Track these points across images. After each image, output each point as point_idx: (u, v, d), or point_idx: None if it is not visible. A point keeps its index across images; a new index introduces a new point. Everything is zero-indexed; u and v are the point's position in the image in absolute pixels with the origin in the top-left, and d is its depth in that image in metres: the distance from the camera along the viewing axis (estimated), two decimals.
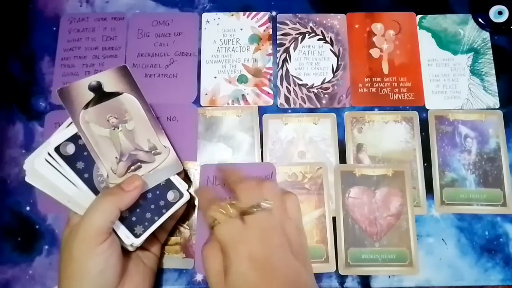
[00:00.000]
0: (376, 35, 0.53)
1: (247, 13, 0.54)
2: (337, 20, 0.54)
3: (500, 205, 0.48)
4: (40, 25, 0.53)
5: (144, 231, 0.38)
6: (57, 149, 0.37)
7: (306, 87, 0.51)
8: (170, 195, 0.40)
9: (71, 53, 0.52)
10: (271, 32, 0.53)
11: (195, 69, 0.52)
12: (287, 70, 0.52)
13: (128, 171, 0.39)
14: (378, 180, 0.48)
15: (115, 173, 0.39)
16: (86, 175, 0.38)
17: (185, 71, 0.52)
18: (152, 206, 0.40)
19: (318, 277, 0.46)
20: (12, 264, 0.46)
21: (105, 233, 0.35)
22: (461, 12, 0.54)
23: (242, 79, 0.51)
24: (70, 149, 0.38)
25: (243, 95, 0.51)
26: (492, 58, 0.52)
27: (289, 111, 0.50)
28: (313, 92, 0.51)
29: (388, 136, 0.50)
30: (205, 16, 0.54)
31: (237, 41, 0.53)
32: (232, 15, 0.54)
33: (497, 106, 0.51)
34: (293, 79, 0.52)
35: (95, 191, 0.38)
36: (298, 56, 0.52)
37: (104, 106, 0.39)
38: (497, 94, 0.51)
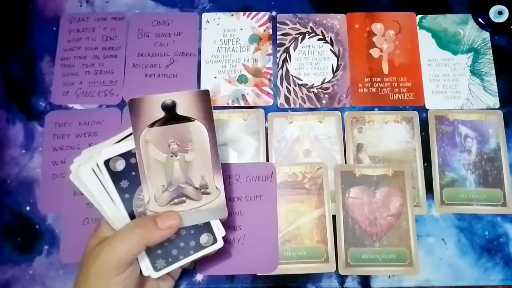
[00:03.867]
0: (376, 35, 0.53)
1: (247, 13, 0.54)
2: (337, 20, 0.54)
3: (500, 205, 0.48)
4: (40, 25, 0.53)
5: (165, 267, 0.36)
6: (106, 162, 0.36)
7: (306, 87, 0.51)
8: (204, 238, 0.37)
9: (71, 53, 0.52)
10: (271, 32, 0.53)
11: (195, 69, 0.52)
12: (287, 70, 0.52)
13: (171, 202, 0.36)
14: (378, 180, 0.48)
15: (156, 201, 0.36)
16: (126, 195, 0.36)
17: (185, 71, 0.52)
18: (181, 244, 0.37)
19: (318, 277, 0.46)
20: (12, 264, 0.46)
21: (126, 264, 0.34)
22: (461, 12, 0.54)
23: (242, 79, 0.51)
24: (120, 165, 0.36)
25: (243, 95, 0.51)
26: (492, 58, 0.52)
27: (289, 111, 0.50)
28: (313, 92, 0.51)
29: (388, 136, 0.50)
30: (205, 16, 0.54)
31: (237, 41, 0.53)
32: (232, 15, 0.54)
33: (497, 106, 0.51)
34: (293, 79, 0.52)
35: (131, 214, 0.36)
36: (298, 56, 0.52)
37: (170, 129, 0.36)
38: (497, 94, 0.51)
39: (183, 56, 0.52)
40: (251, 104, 0.51)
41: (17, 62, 0.52)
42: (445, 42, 0.53)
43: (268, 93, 0.51)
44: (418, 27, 0.53)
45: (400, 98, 0.51)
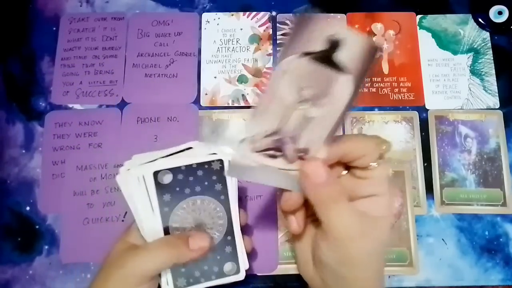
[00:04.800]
0: (376, 35, 0.53)
1: (247, 13, 0.54)
2: (337, 20, 0.54)
3: (500, 205, 0.48)
4: (40, 25, 0.53)
5: (185, 286, 0.36)
6: (155, 174, 0.35)
7: None
8: (228, 267, 0.37)
9: (71, 53, 0.52)
10: (271, 32, 0.53)
11: (195, 69, 0.52)
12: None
13: (264, 152, 0.30)
14: None
15: (251, 144, 0.30)
16: (166, 209, 0.36)
17: (185, 71, 0.52)
18: (205, 267, 0.36)
19: None
20: (12, 264, 0.46)
21: (150, 277, 0.34)
22: (461, 12, 0.54)
23: (242, 79, 0.51)
24: (167, 179, 0.36)
25: (243, 95, 0.51)
26: (492, 58, 0.52)
27: None
28: None
29: (388, 136, 0.50)
30: (205, 16, 0.54)
31: (237, 41, 0.53)
32: (232, 15, 0.54)
33: (497, 106, 0.51)
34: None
35: (165, 228, 0.36)
36: None
37: (320, 71, 0.28)
38: (497, 94, 0.51)
39: (183, 56, 0.52)
40: (251, 104, 0.51)
41: (17, 62, 0.52)
42: (445, 42, 0.53)
43: None
44: (418, 27, 0.53)
45: (400, 98, 0.51)
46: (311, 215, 0.34)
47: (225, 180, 0.37)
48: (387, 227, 0.31)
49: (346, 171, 0.33)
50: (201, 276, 0.36)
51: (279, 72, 0.28)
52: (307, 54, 0.28)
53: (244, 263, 0.37)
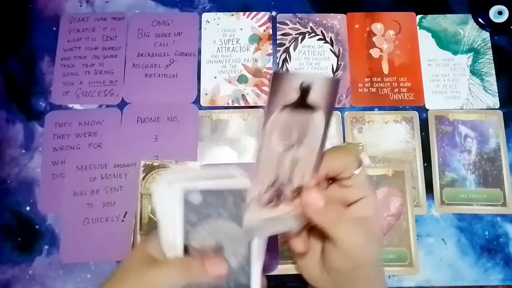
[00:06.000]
0: (376, 35, 0.53)
1: (247, 13, 0.54)
2: (337, 20, 0.54)
3: (500, 205, 0.48)
4: (40, 25, 0.53)
5: None
6: (186, 193, 0.35)
7: None
8: None
9: (71, 53, 0.52)
10: (271, 32, 0.53)
11: (195, 69, 0.52)
12: (287, 70, 0.52)
13: (268, 205, 0.33)
14: (378, 180, 0.48)
15: (258, 202, 0.33)
16: (189, 228, 0.35)
17: (185, 71, 0.52)
18: None
19: None
20: (12, 264, 0.46)
21: None
22: (461, 12, 0.54)
23: (242, 79, 0.51)
24: (196, 200, 0.35)
25: (243, 95, 0.51)
26: (492, 58, 0.52)
27: None
28: None
29: (388, 136, 0.50)
30: (205, 16, 0.54)
31: (237, 41, 0.53)
32: (232, 15, 0.54)
33: (497, 106, 0.51)
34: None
35: (186, 247, 0.35)
36: (298, 56, 0.52)
37: (298, 117, 0.31)
38: (497, 94, 0.51)
39: (183, 56, 0.52)
40: (251, 104, 0.51)
41: (17, 62, 0.52)
42: (445, 42, 0.53)
43: None
44: (418, 27, 0.53)
45: (400, 98, 0.51)
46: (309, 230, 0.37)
47: None
48: (378, 224, 0.36)
49: (331, 181, 0.36)
50: None
51: (269, 130, 0.31)
52: (286, 106, 0.31)
53: None
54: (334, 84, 0.31)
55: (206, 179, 0.36)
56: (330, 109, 0.31)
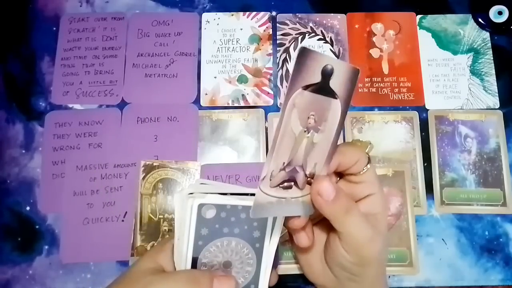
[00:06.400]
0: (376, 35, 0.53)
1: (247, 13, 0.54)
2: (337, 20, 0.54)
3: (500, 205, 0.48)
4: (40, 25, 0.53)
5: None
6: (200, 206, 0.35)
7: None
8: None
9: (71, 53, 0.52)
10: (271, 32, 0.53)
11: (195, 69, 0.52)
12: (287, 70, 0.52)
13: (281, 185, 0.33)
14: None
15: (270, 180, 0.32)
16: (200, 242, 0.35)
17: (185, 71, 0.52)
18: None
19: None
20: (12, 264, 0.46)
21: None
22: (461, 12, 0.54)
23: (242, 79, 0.51)
24: (210, 214, 0.35)
25: (243, 95, 0.51)
26: (492, 58, 0.52)
27: None
28: None
29: (388, 136, 0.50)
30: (205, 16, 0.54)
31: (237, 41, 0.53)
32: (232, 15, 0.54)
33: (497, 106, 0.51)
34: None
35: (194, 261, 0.35)
36: None
37: (317, 100, 0.31)
38: (497, 94, 0.51)
39: (183, 56, 0.52)
40: (251, 104, 0.51)
41: (17, 62, 0.52)
42: (445, 42, 0.53)
43: (268, 93, 0.51)
44: (418, 27, 0.53)
45: (400, 98, 0.51)
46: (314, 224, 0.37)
47: (265, 230, 0.36)
48: (385, 221, 0.36)
49: (339, 178, 0.37)
50: None
51: (289, 109, 0.31)
52: (307, 87, 0.31)
53: None
54: (354, 74, 0.31)
55: (222, 193, 0.36)
56: (348, 100, 0.31)
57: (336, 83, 0.31)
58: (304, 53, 0.30)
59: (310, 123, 0.32)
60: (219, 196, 0.36)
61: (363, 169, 0.34)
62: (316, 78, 0.31)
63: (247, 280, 0.36)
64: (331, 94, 0.31)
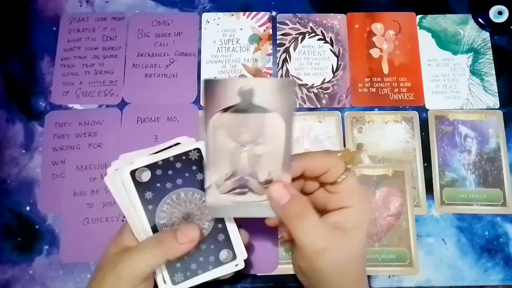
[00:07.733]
0: (376, 35, 0.53)
1: (247, 13, 0.54)
2: (337, 20, 0.54)
3: (500, 205, 0.48)
4: (40, 25, 0.53)
5: (183, 281, 0.35)
6: (132, 173, 0.35)
7: (306, 87, 0.51)
8: (223, 254, 0.36)
9: (71, 53, 0.52)
10: (271, 32, 0.53)
11: (195, 69, 0.52)
12: (287, 70, 0.52)
13: (232, 192, 0.34)
14: (378, 180, 0.48)
15: (217, 188, 0.34)
16: (150, 207, 0.35)
17: (185, 71, 0.52)
18: (201, 259, 0.36)
19: None
20: (12, 264, 0.46)
21: (143, 278, 0.33)
22: (461, 12, 0.54)
23: None
24: (145, 176, 0.35)
25: None
26: (492, 58, 0.52)
27: None
28: (313, 92, 0.51)
29: (388, 136, 0.50)
30: (205, 16, 0.54)
31: (237, 41, 0.53)
32: (232, 15, 0.54)
33: (497, 106, 0.51)
34: (293, 79, 0.52)
35: (153, 226, 0.35)
36: (298, 56, 0.52)
37: (244, 118, 0.32)
38: (497, 94, 0.51)
39: (183, 56, 0.52)
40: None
41: (17, 62, 0.52)
42: (445, 42, 0.53)
43: None
44: (418, 27, 0.53)
45: (400, 98, 0.51)
46: None
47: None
48: (360, 237, 0.34)
49: (320, 186, 0.36)
50: (198, 268, 0.36)
51: (212, 130, 0.32)
52: (226, 109, 0.32)
53: (240, 251, 0.37)
54: (287, 85, 0.32)
55: (149, 154, 0.36)
56: (288, 110, 0.32)
57: (264, 99, 0.32)
58: (209, 84, 0.31)
59: (244, 139, 0.33)
60: (146, 157, 0.36)
61: (338, 179, 0.34)
62: (234, 100, 0.32)
63: (212, 221, 0.37)
64: (259, 109, 0.32)
